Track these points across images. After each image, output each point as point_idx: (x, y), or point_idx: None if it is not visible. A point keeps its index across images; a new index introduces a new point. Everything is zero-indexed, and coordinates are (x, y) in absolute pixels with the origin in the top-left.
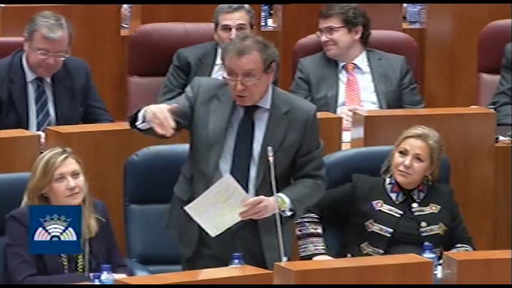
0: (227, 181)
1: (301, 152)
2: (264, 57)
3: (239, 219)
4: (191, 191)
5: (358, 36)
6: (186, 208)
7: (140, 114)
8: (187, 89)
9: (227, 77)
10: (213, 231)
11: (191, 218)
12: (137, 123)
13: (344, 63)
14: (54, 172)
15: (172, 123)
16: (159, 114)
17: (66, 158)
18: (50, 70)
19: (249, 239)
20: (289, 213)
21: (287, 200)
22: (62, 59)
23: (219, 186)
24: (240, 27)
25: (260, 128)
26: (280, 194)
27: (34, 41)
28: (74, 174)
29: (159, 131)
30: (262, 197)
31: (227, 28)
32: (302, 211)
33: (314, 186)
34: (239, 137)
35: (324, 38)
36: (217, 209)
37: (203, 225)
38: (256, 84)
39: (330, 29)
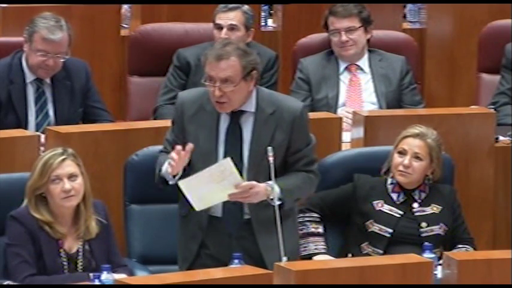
0: (225, 164)
1: (291, 151)
2: (243, 63)
3: (226, 199)
4: (189, 206)
5: (369, 36)
6: (179, 182)
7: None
8: (174, 114)
9: (206, 83)
10: (198, 205)
11: (189, 235)
12: (170, 182)
13: (347, 64)
14: (51, 173)
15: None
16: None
17: (64, 160)
18: (50, 72)
19: (246, 238)
20: (278, 202)
21: (277, 189)
22: (62, 60)
23: (216, 167)
24: (231, 28)
25: (247, 132)
26: (270, 182)
27: (34, 42)
28: (71, 177)
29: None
30: (254, 182)
31: (219, 27)
32: (292, 202)
33: (306, 179)
34: (228, 143)
35: (344, 38)
36: (209, 188)
37: (190, 199)
38: (234, 91)
39: (350, 29)
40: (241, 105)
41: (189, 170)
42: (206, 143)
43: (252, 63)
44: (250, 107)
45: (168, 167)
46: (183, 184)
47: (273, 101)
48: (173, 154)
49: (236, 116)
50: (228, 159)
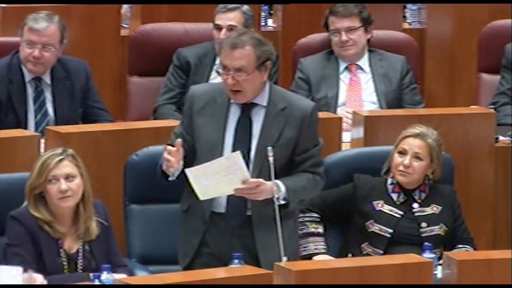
0: (235, 157)
1: (299, 150)
2: (258, 53)
3: (232, 193)
4: (191, 200)
5: (369, 36)
6: (187, 170)
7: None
8: (184, 107)
9: (221, 71)
10: (202, 195)
11: (190, 229)
12: (170, 178)
13: (347, 63)
14: (48, 173)
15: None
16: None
17: (61, 160)
18: (39, 66)
19: (246, 236)
20: (282, 202)
21: (283, 189)
22: (50, 54)
23: (225, 159)
24: (230, 28)
25: (257, 125)
26: (277, 181)
27: (23, 35)
28: (68, 177)
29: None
30: (261, 180)
31: (219, 28)
32: (296, 202)
33: (312, 181)
34: (237, 135)
35: (344, 37)
36: (216, 179)
37: (195, 188)
38: (247, 80)
39: (351, 29)
40: (254, 97)
41: (194, 160)
42: (213, 134)
43: (267, 54)
44: (262, 100)
45: (165, 168)
46: (190, 172)
47: (284, 98)
48: (166, 155)
49: (247, 108)
50: (238, 153)
